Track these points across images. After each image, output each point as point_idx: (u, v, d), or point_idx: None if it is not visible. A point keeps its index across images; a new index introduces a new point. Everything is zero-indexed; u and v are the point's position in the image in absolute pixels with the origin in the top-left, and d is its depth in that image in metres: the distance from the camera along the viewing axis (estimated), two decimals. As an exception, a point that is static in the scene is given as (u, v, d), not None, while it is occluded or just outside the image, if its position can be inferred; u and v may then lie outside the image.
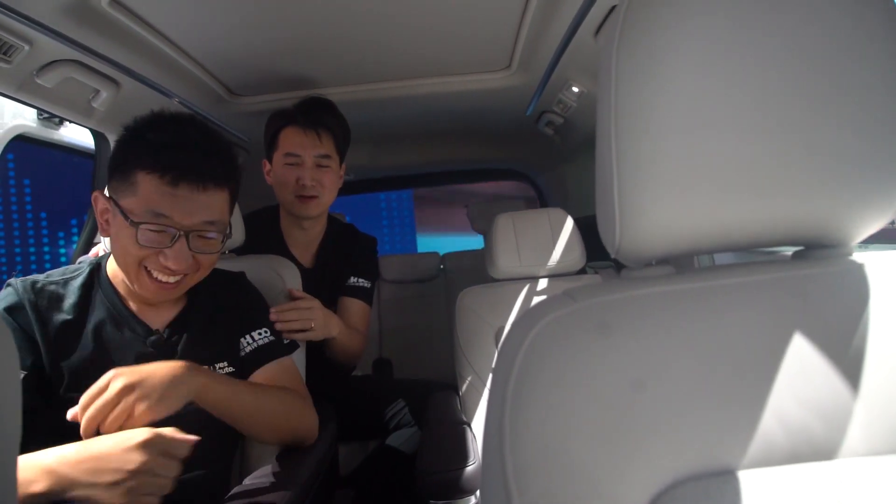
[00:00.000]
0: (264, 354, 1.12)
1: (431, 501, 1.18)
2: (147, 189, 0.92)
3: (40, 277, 1.01)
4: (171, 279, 0.98)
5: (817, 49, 0.44)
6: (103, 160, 1.65)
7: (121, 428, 0.80)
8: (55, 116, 1.58)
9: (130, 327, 1.02)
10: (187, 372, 0.88)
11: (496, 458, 0.44)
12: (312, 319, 1.32)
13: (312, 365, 1.39)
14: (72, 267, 1.07)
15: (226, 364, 1.08)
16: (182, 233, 0.94)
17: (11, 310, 0.94)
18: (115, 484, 0.76)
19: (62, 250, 4.20)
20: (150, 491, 0.77)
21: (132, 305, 1.03)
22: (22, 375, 0.88)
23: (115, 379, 0.82)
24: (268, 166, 1.60)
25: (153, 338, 1.02)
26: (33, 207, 4.09)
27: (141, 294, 0.99)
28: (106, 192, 0.98)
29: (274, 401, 1.03)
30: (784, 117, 0.44)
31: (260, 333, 1.14)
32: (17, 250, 4.03)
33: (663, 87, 0.45)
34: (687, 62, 0.44)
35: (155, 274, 0.96)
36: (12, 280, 0.99)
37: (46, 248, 4.13)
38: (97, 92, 1.37)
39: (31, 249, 4.10)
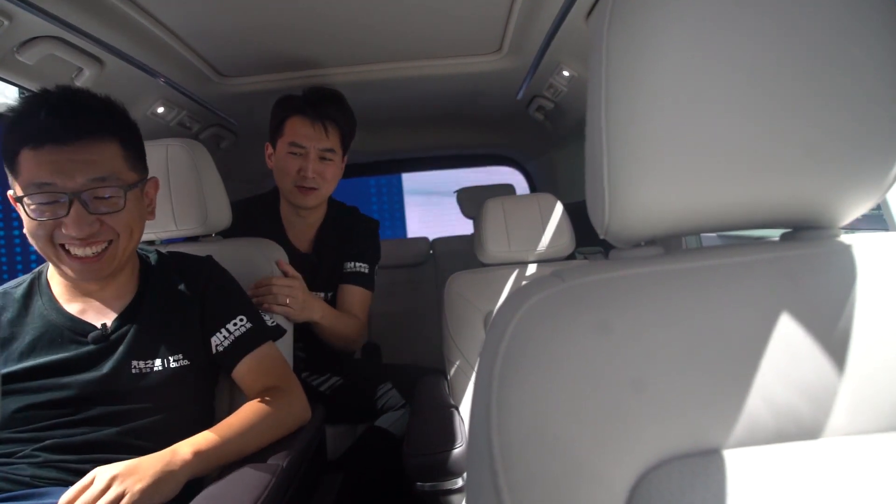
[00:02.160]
0: (243, 345, 1.11)
1: (418, 484, 1.18)
2: (25, 165, 0.91)
3: (9, 285, 1.03)
4: (90, 251, 0.95)
5: (807, 30, 0.43)
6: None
7: None
8: (37, 95, 1.55)
9: (72, 329, 1.00)
10: (175, 458, 0.89)
11: (482, 438, 0.44)
12: (290, 297, 1.32)
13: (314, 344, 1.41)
14: (23, 276, 1.06)
15: (181, 356, 1.05)
16: (72, 196, 0.91)
17: None
18: None
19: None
20: None
21: (74, 307, 1.02)
22: None
23: (101, 473, 0.83)
24: (270, 150, 1.60)
25: (94, 333, 1.00)
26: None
27: (73, 277, 0.98)
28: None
29: (260, 424, 1.02)
30: (775, 98, 0.44)
31: (235, 324, 1.11)
32: (1, 234, 3.98)
33: (654, 68, 0.44)
34: (677, 43, 0.44)
35: (73, 251, 0.94)
36: None
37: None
38: (80, 70, 1.34)
39: (16, 233, 4.05)
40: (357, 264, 1.64)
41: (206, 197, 1.32)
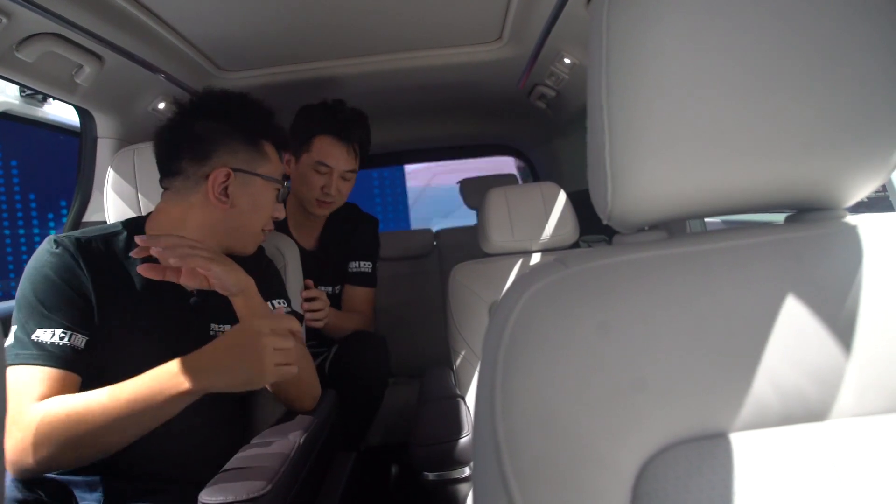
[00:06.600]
0: None
1: (425, 473, 1.19)
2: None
3: (80, 234, 1.03)
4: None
5: (810, 8, 0.43)
6: (89, 138, 1.62)
7: None
8: (38, 93, 1.55)
9: (173, 293, 1.07)
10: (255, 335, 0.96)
11: (488, 424, 0.44)
12: (318, 316, 1.48)
13: None
14: (106, 226, 1.10)
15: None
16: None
17: (67, 270, 0.96)
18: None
19: (52, 232, 4.17)
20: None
21: None
22: (84, 341, 0.94)
23: None
24: (288, 156, 1.64)
25: (193, 299, 1.09)
26: (21, 189, 4.04)
27: (249, 250, 1.16)
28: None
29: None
30: (777, 80, 0.43)
31: (280, 303, 1.22)
32: (7, 232, 3.99)
33: (654, 51, 0.44)
34: (678, 26, 0.43)
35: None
36: (58, 238, 1.00)
37: (36, 231, 4.09)
38: (80, 67, 1.34)
39: (21, 232, 4.06)
40: (361, 264, 1.76)
41: None
